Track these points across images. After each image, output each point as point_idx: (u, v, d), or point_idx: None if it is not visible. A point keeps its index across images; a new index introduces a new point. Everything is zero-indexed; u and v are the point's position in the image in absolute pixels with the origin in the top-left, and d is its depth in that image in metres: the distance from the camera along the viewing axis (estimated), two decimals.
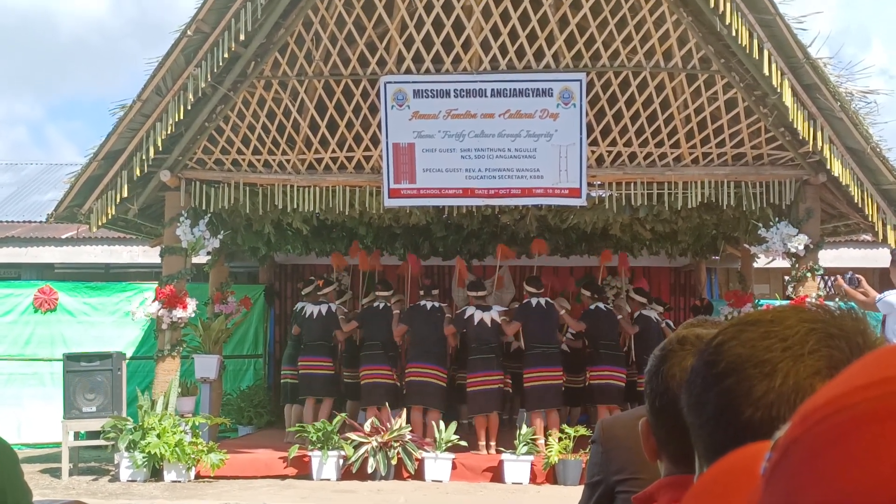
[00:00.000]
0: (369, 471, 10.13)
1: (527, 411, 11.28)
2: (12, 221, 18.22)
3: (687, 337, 1.47)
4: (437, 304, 11.40)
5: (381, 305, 11.65)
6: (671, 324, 12.24)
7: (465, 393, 11.27)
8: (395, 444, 10.21)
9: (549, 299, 11.38)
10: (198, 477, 10.27)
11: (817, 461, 0.50)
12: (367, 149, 10.68)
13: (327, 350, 11.83)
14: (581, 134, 10.25)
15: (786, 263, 10.95)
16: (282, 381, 12.51)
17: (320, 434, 10.26)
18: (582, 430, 10.25)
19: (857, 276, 8.80)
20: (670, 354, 1.46)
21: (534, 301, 11.16)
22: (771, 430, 0.87)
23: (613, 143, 10.48)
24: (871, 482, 0.46)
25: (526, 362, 11.09)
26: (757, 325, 0.96)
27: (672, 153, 10.48)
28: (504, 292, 13.15)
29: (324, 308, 11.81)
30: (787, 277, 10.70)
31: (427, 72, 10.35)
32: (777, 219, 10.50)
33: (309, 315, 11.84)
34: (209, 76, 10.04)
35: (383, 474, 10.15)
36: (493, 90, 10.29)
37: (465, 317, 11.01)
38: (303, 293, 12.54)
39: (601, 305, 11.59)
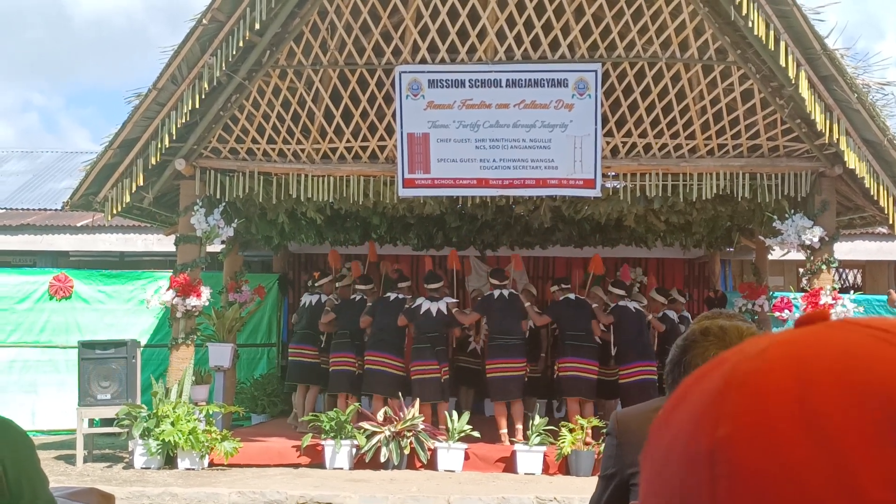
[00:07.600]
0: (382, 460, 10.16)
1: (491, 402, 11.44)
2: (28, 209, 18.28)
3: (710, 328, 1.46)
4: (400, 296, 11.52)
5: (358, 298, 11.93)
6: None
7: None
8: (408, 434, 10.23)
9: (513, 291, 11.38)
10: (211, 465, 10.32)
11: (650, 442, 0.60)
12: (381, 139, 10.68)
13: (310, 338, 12.24)
14: (596, 124, 10.21)
15: (800, 256, 10.90)
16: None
17: (333, 423, 10.29)
18: (595, 421, 10.24)
19: None
20: (693, 345, 1.44)
21: (496, 293, 11.18)
22: None
23: (628, 133, 10.45)
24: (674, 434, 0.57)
25: (487, 353, 11.27)
26: None
27: (687, 144, 10.44)
28: (521, 277, 13.13)
29: (314, 298, 12.41)
30: (801, 270, 10.64)
31: (442, 61, 10.33)
32: (792, 211, 10.44)
33: (302, 305, 12.59)
34: (224, 65, 10.05)
35: (396, 464, 10.18)
36: (508, 80, 10.25)
37: (414, 307, 11.16)
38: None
39: (570, 296, 11.48)
